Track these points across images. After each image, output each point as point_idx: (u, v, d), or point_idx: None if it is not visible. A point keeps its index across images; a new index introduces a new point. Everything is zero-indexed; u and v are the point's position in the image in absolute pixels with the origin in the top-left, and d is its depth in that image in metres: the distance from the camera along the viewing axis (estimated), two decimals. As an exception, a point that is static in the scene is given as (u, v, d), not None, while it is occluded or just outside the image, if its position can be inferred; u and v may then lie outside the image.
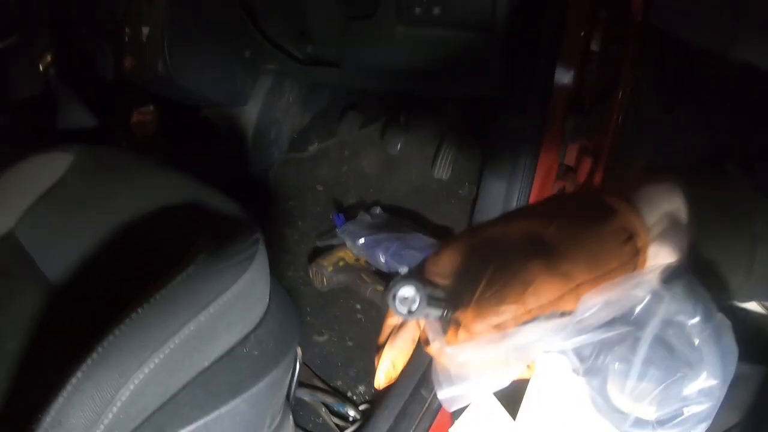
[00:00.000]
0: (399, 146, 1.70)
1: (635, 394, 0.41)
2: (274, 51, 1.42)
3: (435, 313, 0.39)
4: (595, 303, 0.37)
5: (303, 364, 1.30)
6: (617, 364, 0.41)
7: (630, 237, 0.39)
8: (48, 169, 1.08)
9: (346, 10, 1.24)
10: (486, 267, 0.39)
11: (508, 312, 0.36)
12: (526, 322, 0.37)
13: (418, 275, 0.42)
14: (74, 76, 1.60)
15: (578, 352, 0.42)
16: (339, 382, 1.28)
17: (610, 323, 0.39)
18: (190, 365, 0.76)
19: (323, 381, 1.28)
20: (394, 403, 1.18)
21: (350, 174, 1.80)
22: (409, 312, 0.38)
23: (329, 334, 1.38)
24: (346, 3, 1.23)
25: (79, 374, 0.67)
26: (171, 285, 0.74)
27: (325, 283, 1.44)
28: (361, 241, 1.44)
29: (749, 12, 1.07)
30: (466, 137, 1.68)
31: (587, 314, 0.38)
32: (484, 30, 1.18)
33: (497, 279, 0.38)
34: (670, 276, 0.40)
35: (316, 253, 1.54)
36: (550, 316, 0.38)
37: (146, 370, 0.70)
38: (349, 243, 1.47)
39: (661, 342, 0.40)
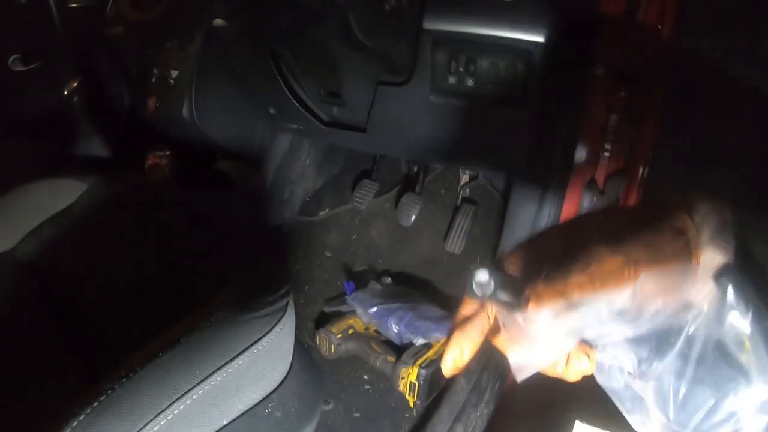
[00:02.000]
0: (413, 218, 1.69)
1: (687, 408, 0.42)
2: (300, 110, 1.42)
3: (505, 297, 0.42)
4: (653, 285, 0.39)
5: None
6: (673, 368, 0.42)
7: (682, 233, 0.41)
8: (59, 194, 1.06)
9: (381, 75, 1.24)
10: (554, 253, 0.42)
11: (573, 282, 0.39)
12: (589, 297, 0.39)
13: (493, 263, 0.45)
14: (96, 107, 1.59)
15: (636, 349, 0.43)
16: (343, 456, 1.21)
17: (666, 317, 0.40)
18: (208, 421, 0.70)
19: (326, 454, 1.21)
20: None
21: (359, 243, 1.77)
22: (483, 295, 0.41)
23: (335, 404, 1.31)
24: (380, 68, 1.24)
25: (81, 417, 0.60)
26: (198, 329, 0.69)
27: (333, 350, 1.38)
28: (373, 309, 1.40)
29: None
30: (479, 212, 1.67)
31: (645, 299, 0.39)
32: (513, 105, 1.18)
33: (564, 258, 0.41)
34: (722, 275, 0.40)
35: (324, 319, 1.49)
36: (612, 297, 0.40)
37: (162, 422, 0.64)
38: (359, 311, 1.43)
39: (714, 345, 0.41)
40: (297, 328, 1.51)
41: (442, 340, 1.31)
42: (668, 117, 1.16)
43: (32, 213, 1.04)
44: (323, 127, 1.44)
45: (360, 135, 1.38)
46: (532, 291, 0.40)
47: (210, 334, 0.70)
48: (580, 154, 1.27)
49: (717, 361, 0.41)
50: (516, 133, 1.23)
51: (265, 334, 0.72)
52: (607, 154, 1.27)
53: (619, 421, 0.59)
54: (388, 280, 1.57)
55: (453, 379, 1.28)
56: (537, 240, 0.47)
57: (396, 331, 1.34)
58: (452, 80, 1.20)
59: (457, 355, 0.47)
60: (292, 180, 1.75)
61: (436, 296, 1.57)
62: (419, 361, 1.24)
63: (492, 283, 0.41)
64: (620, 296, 0.39)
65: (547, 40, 1.07)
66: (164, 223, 0.95)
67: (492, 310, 0.46)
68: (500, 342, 0.44)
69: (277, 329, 0.74)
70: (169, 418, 0.64)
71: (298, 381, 0.81)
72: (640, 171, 1.22)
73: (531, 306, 0.40)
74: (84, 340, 0.88)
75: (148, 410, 0.63)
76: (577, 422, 0.59)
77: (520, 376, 0.42)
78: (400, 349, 1.32)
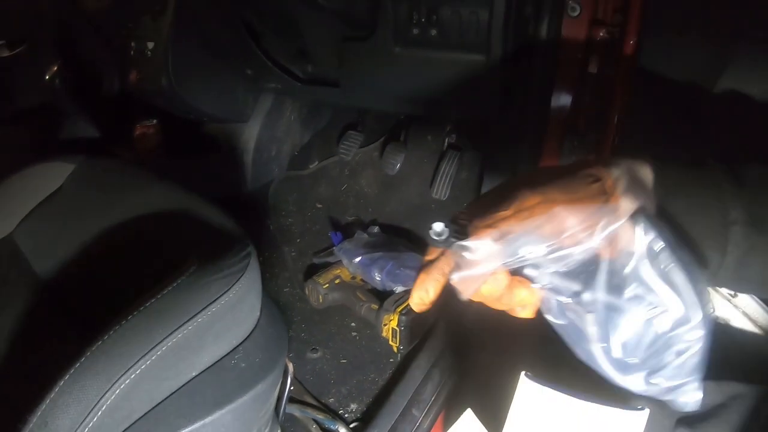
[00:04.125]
0: (398, 167, 1.72)
1: (623, 335, 0.48)
2: (275, 70, 1.44)
3: (458, 242, 0.49)
4: (570, 215, 0.46)
5: (295, 380, 1.30)
6: (603, 295, 0.48)
7: (597, 179, 0.49)
8: (49, 177, 1.10)
9: (343, 31, 1.26)
10: (494, 202, 0.50)
11: (501, 215, 0.48)
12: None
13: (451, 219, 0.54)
14: (79, 88, 1.62)
15: (567, 283, 0.49)
16: (331, 399, 1.28)
17: (585, 248, 0.47)
18: (176, 374, 0.77)
19: (315, 398, 1.28)
20: (385, 421, 1.19)
21: (349, 193, 1.81)
22: (440, 241, 0.49)
23: (323, 351, 1.38)
24: (343, 24, 1.25)
25: (66, 377, 0.68)
26: (161, 295, 0.75)
27: (321, 300, 1.45)
28: (358, 259, 1.45)
29: (742, 35, 1.08)
30: (465, 157, 1.69)
31: (560, 227, 0.46)
32: (481, 53, 1.19)
33: (496, 199, 0.50)
34: (639, 217, 0.47)
35: (313, 271, 1.55)
36: (534, 228, 0.47)
37: (132, 376, 0.70)
38: (345, 261, 1.48)
39: (636, 277, 0.47)
40: (290, 281, 1.58)
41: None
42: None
43: (26, 198, 1.08)
44: (300, 84, 1.47)
45: (335, 90, 1.41)
46: (473, 229, 0.49)
47: (171, 298, 0.76)
48: (559, 96, 1.28)
49: (642, 292, 0.47)
50: (486, 79, 1.25)
51: (222, 294, 0.78)
52: (586, 98, 1.28)
53: (563, 373, 0.63)
54: (376, 229, 1.62)
55: (433, 326, 1.34)
56: (482, 196, 0.57)
57: (379, 279, 1.39)
58: (415, 31, 1.21)
59: (423, 294, 0.53)
60: (278, 137, 1.78)
61: (421, 243, 1.61)
62: (399, 309, 1.29)
63: (446, 231, 0.49)
64: (541, 226, 0.46)
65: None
66: (139, 200, 1.00)
67: (450, 255, 0.52)
68: (455, 282, 0.50)
69: (235, 288, 0.79)
70: (137, 372, 0.71)
71: (264, 334, 0.87)
72: (616, 115, 1.22)
73: (470, 239, 0.48)
74: (68, 309, 0.94)
75: (119, 368, 0.70)
76: (522, 374, 0.63)
77: (464, 295, 0.49)
78: (384, 297, 1.37)
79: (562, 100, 1.28)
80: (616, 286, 0.47)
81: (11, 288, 0.99)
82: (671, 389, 0.49)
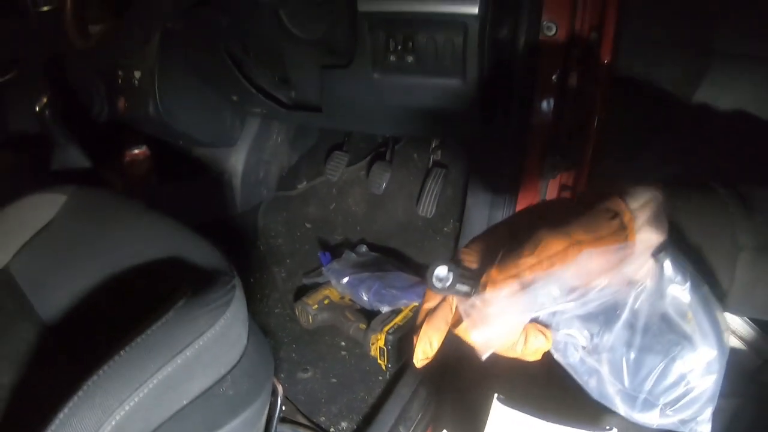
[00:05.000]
0: (384, 185, 1.75)
1: (640, 374, 0.47)
2: (259, 96, 1.47)
3: (464, 288, 0.46)
4: (595, 261, 0.44)
5: (287, 400, 1.33)
6: (622, 338, 0.47)
7: (616, 214, 0.47)
8: (41, 208, 1.13)
9: (323, 59, 1.29)
10: (505, 243, 0.47)
11: (524, 263, 0.44)
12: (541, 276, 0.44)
13: (453, 260, 0.49)
14: (69, 117, 1.65)
15: (587, 325, 0.48)
16: (322, 418, 1.31)
17: (611, 291, 0.46)
18: (168, 403, 0.80)
19: (306, 417, 1.31)
20: (374, 439, 1.22)
21: (338, 212, 1.85)
22: (443, 288, 0.45)
23: (313, 371, 1.41)
24: (323, 53, 1.28)
25: (66, 410, 0.72)
26: (150, 330, 0.79)
27: (311, 321, 1.48)
28: (345, 279, 1.48)
29: (715, 50, 1.12)
30: (450, 174, 1.73)
31: (590, 275, 0.44)
32: (457, 77, 1.23)
33: (514, 245, 0.45)
34: (660, 252, 0.46)
35: (303, 291, 1.58)
36: (561, 274, 0.45)
37: (126, 408, 0.74)
38: (334, 281, 1.52)
39: (657, 314, 0.46)
40: (280, 302, 1.61)
41: (411, 306, 1.39)
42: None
43: (20, 230, 1.10)
44: (284, 110, 1.50)
45: (318, 114, 1.44)
46: (488, 276, 0.45)
47: (161, 332, 0.79)
48: (539, 114, 1.31)
49: (662, 330, 0.46)
50: (464, 102, 1.27)
51: (209, 327, 0.81)
52: (566, 114, 1.31)
53: (536, 394, 0.65)
54: (364, 248, 1.65)
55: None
56: (488, 233, 0.52)
57: (366, 299, 1.43)
58: (392, 58, 1.24)
59: (426, 347, 0.51)
60: (266, 159, 1.81)
61: (408, 261, 1.64)
62: (386, 328, 1.32)
63: (451, 276, 0.45)
64: (567, 273, 0.44)
65: (481, 10, 1.10)
66: (129, 234, 1.03)
67: (453, 301, 0.50)
68: (462, 330, 0.48)
69: (221, 321, 0.83)
70: (131, 404, 0.75)
71: (250, 361, 0.90)
72: (594, 131, 1.25)
73: (488, 290, 0.44)
74: (64, 342, 0.98)
75: (115, 401, 0.74)
76: (495, 398, 0.65)
77: (484, 354, 0.46)
78: (372, 316, 1.40)
79: (542, 117, 1.31)
80: (635, 324, 0.47)
81: (9, 320, 1.02)
82: (686, 421, 0.48)
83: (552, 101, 1.29)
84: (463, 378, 1.20)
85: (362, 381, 1.37)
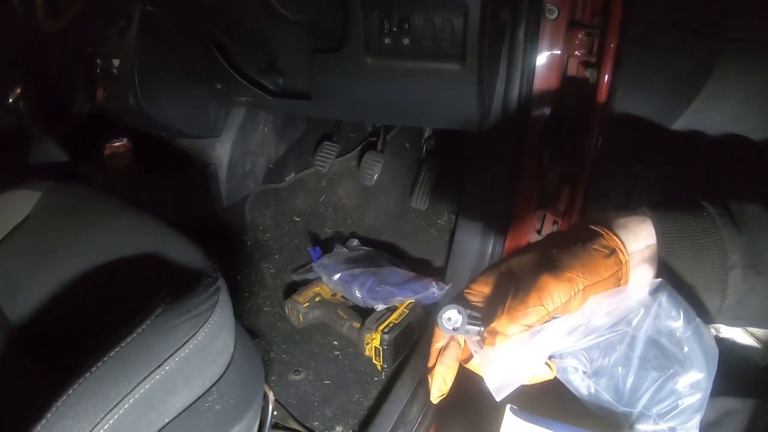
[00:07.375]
0: (375, 177, 1.68)
1: (637, 392, 0.52)
2: (245, 84, 1.40)
3: (474, 329, 0.49)
4: (598, 306, 0.49)
5: (278, 405, 1.26)
6: (620, 363, 0.53)
7: (613, 251, 0.50)
8: (14, 206, 1.06)
9: (313, 43, 1.22)
10: (510, 287, 0.50)
11: (532, 313, 0.47)
12: (547, 323, 0.48)
13: (459, 300, 0.53)
14: (45, 109, 1.57)
15: (589, 353, 0.53)
16: (316, 423, 1.25)
17: (611, 327, 0.51)
18: (146, 424, 0.73)
19: (299, 422, 1.24)
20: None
21: (327, 204, 1.78)
22: (454, 329, 0.49)
23: (306, 373, 1.34)
24: (312, 36, 1.21)
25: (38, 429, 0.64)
26: (125, 343, 0.72)
27: (302, 319, 1.41)
28: (337, 276, 1.41)
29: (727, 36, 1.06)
30: (444, 165, 1.66)
31: (593, 316, 0.50)
32: (456, 61, 1.16)
33: (520, 292, 0.48)
34: (655, 289, 0.50)
35: (293, 287, 1.52)
36: (566, 320, 0.49)
37: (105, 427, 0.67)
38: (325, 278, 1.45)
39: (653, 343, 0.51)
40: (269, 299, 1.54)
41: (406, 303, 1.33)
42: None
43: None
44: (271, 98, 1.42)
45: (307, 102, 1.37)
46: (497, 324, 0.48)
47: (137, 345, 0.72)
48: (538, 103, 1.26)
49: (657, 356, 0.52)
50: (462, 88, 1.21)
51: (191, 337, 0.74)
52: (567, 103, 1.25)
53: (549, 405, 0.62)
54: (355, 242, 1.58)
55: (417, 343, 1.31)
56: (490, 274, 0.55)
57: (360, 296, 1.36)
58: (387, 41, 1.17)
59: (441, 385, 0.54)
60: (253, 150, 1.74)
61: (403, 256, 1.58)
62: (381, 327, 1.26)
63: (461, 318, 0.48)
64: (572, 318, 0.49)
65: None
66: (106, 234, 0.96)
67: (462, 339, 0.53)
68: (474, 366, 0.52)
69: (204, 329, 0.76)
70: (105, 428, 0.67)
71: (238, 372, 0.84)
72: (598, 121, 1.19)
73: (499, 339, 0.47)
74: (37, 352, 0.90)
75: (84, 426, 0.66)
76: (507, 408, 0.62)
77: (500, 396, 0.49)
78: (366, 314, 1.34)
79: (542, 108, 1.26)
80: (632, 352, 0.52)
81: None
82: (674, 429, 0.52)
83: (552, 90, 1.24)
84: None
85: (357, 382, 1.31)
